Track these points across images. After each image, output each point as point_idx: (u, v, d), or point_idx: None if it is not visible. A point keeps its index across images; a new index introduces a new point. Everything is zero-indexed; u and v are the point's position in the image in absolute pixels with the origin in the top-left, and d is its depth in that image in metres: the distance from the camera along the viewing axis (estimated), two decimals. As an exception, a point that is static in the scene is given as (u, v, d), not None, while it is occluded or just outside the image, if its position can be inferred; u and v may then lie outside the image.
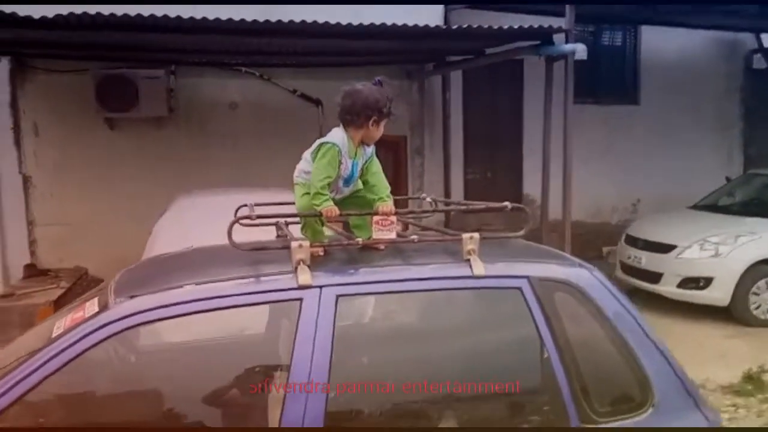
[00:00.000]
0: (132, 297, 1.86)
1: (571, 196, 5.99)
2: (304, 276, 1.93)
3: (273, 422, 1.90)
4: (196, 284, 1.91)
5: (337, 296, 1.96)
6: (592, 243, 8.64)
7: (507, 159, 9.03)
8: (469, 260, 2.10)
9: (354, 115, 2.22)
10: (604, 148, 9.18)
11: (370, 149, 2.34)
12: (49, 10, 4.68)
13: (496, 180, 9.03)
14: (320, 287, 1.95)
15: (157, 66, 7.27)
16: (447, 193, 8.34)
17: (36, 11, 4.69)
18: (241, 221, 2.02)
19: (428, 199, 3.05)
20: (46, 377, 1.67)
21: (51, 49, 6.52)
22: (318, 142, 2.27)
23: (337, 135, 2.26)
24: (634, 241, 7.07)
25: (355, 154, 2.28)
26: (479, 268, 2.09)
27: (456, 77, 8.39)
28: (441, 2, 7.33)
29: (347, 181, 2.29)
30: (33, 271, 7.02)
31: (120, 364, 2.12)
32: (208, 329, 2.25)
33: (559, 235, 6.21)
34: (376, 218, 2.12)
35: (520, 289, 2.12)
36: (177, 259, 2.32)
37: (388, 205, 2.18)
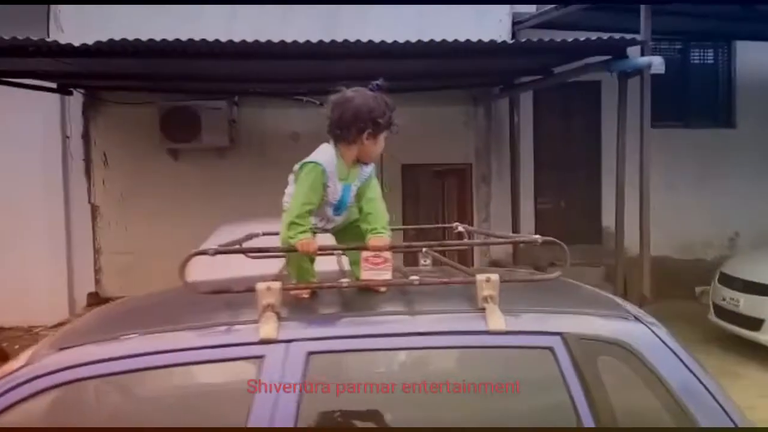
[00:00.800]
0: (61, 349, 1.55)
1: (649, 228, 5.29)
2: (267, 327, 1.56)
3: None
4: (140, 335, 1.58)
5: (308, 353, 1.57)
6: (681, 282, 7.72)
7: (583, 188, 8.33)
8: (484, 309, 1.66)
9: (344, 129, 1.85)
10: (696, 175, 8.29)
11: (368, 169, 1.94)
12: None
13: (570, 210, 8.34)
14: (287, 342, 1.57)
15: (220, 97, 7.30)
16: (515, 225, 7.75)
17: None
18: (208, 252, 1.69)
19: (460, 229, 2.62)
20: None
21: (118, 80, 6.70)
22: (302, 161, 1.92)
23: (324, 153, 1.89)
24: (730, 281, 6.16)
25: (347, 176, 1.89)
26: (497, 321, 1.63)
27: (525, 100, 7.88)
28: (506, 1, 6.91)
29: (337, 209, 1.91)
30: (96, 300, 7.11)
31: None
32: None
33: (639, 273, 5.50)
34: (365, 255, 1.72)
35: (551, 349, 1.64)
36: (143, 301, 2.01)
37: (381, 238, 1.78)
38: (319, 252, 1.76)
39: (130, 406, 1.64)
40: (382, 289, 1.81)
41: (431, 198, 8.30)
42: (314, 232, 1.89)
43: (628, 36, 4.97)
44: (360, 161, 1.92)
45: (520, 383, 1.66)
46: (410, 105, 7.90)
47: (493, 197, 8.09)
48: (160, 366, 1.53)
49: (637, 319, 1.77)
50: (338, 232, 1.98)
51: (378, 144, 1.91)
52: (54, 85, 6.58)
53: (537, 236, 1.84)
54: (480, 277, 1.69)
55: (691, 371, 1.69)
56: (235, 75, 6.41)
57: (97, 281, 7.40)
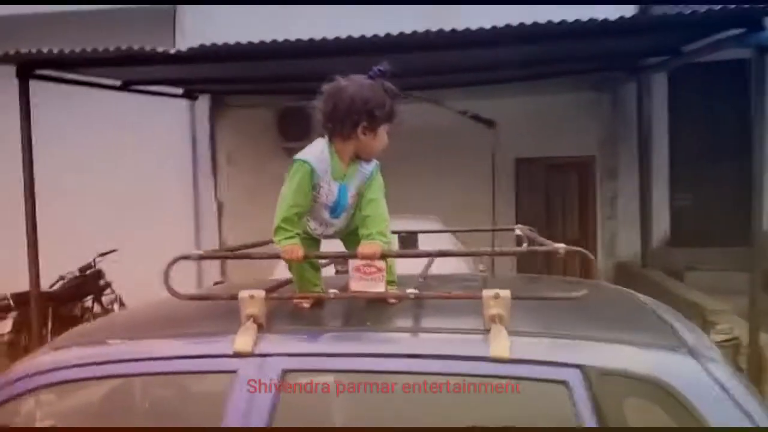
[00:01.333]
0: (55, 349, 1.59)
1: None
2: (242, 340, 1.46)
3: None
4: (125, 340, 1.57)
5: (284, 371, 1.45)
6: None
7: (731, 181, 7.29)
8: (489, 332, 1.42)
9: (337, 122, 1.67)
10: None
11: (370, 167, 1.74)
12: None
13: (717, 208, 7.33)
14: (263, 356, 1.46)
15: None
16: (645, 223, 7.00)
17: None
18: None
19: (518, 232, 2.34)
20: None
21: (237, 84, 7.07)
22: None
23: (315, 148, 1.73)
24: None
25: (344, 174, 1.71)
26: (500, 346, 1.39)
27: (658, 85, 7.07)
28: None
29: (335, 211, 1.73)
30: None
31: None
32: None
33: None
34: (355, 263, 1.56)
35: (565, 384, 1.36)
36: (157, 306, 2.01)
37: (372, 245, 1.58)
38: (305, 259, 1.62)
39: (107, 410, 1.64)
40: (392, 300, 1.63)
41: (549, 194, 7.78)
42: (314, 238, 1.77)
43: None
44: (359, 158, 1.73)
45: (524, 423, 1.40)
46: (525, 94, 7.52)
47: (620, 193, 7.38)
48: (137, 373, 1.51)
49: (690, 352, 1.42)
50: (345, 237, 1.83)
51: (378, 138, 1.71)
52: (180, 91, 7.11)
53: (561, 245, 1.54)
54: (487, 293, 1.45)
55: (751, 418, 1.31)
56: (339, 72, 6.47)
57: (223, 272, 7.91)
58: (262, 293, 1.53)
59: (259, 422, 1.40)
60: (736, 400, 1.33)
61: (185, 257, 1.62)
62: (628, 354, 1.39)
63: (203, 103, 7.71)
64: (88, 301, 6.47)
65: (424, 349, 1.44)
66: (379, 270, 1.54)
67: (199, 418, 1.53)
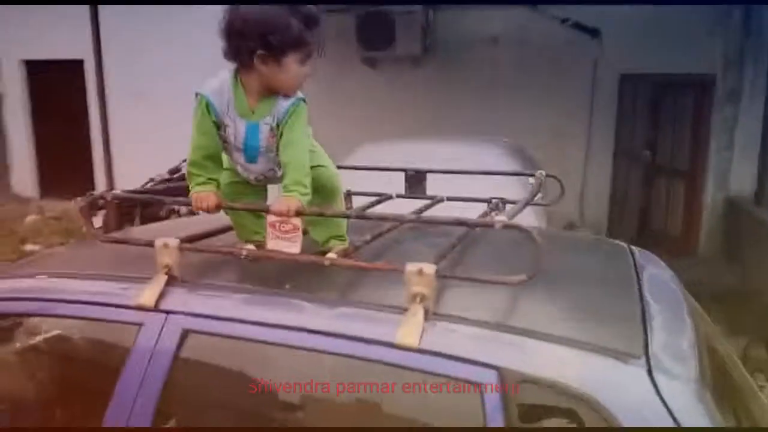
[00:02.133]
0: (2, 278, 1.58)
1: None
2: (147, 293, 1.37)
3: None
4: (48, 276, 1.53)
5: (184, 330, 1.35)
6: None
7: None
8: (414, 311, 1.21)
9: (232, 50, 1.42)
10: None
11: (287, 103, 1.46)
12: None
13: None
14: (166, 313, 1.36)
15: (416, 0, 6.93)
16: (765, 157, 6.06)
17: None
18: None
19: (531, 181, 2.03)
20: None
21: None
22: None
23: (215, 80, 1.48)
24: None
25: (252, 112, 1.47)
26: (408, 332, 1.18)
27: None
28: None
29: (247, 153, 1.49)
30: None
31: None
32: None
33: None
34: (270, 219, 1.37)
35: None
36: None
37: (288, 199, 1.38)
38: (217, 209, 1.46)
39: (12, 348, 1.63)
40: (326, 263, 1.43)
41: (657, 118, 6.92)
42: (247, 183, 1.58)
43: None
44: (274, 92, 1.48)
45: (426, 423, 1.21)
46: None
47: (740, 120, 6.39)
48: (47, 314, 1.47)
49: (647, 362, 1.12)
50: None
51: (284, 70, 1.42)
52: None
53: (498, 220, 1.23)
54: (410, 268, 1.23)
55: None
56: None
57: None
58: (176, 242, 1.40)
59: (155, 382, 1.33)
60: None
61: (100, 197, 1.51)
62: (562, 359, 1.12)
63: (286, 8, 7.52)
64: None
65: (329, 324, 1.26)
66: (295, 228, 1.35)
67: (102, 367, 1.48)
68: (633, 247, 1.93)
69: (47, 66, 8.33)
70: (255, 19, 1.37)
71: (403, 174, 2.35)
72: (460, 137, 4.97)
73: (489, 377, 1.13)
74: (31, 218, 7.77)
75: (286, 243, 1.36)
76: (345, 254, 1.49)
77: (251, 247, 1.43)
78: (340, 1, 6.79)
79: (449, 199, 2.26)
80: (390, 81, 7.44)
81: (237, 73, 1.44)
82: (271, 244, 1.37)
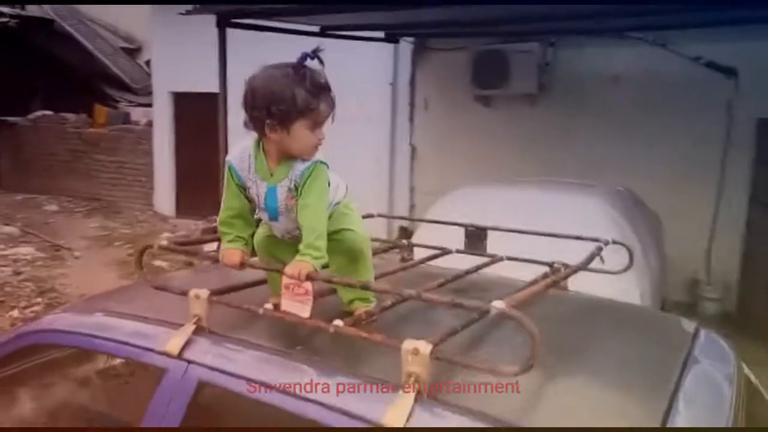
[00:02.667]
0: (65, 311, 1.79)
1: None
2: (173, 342, 1.47)
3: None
4: (104, 314, 1.69)
5: (200, 382, 1.42)
6: None
7: None
8: (406, 392, 1.19)
9: (249, 119, 1.49)
10: None
11: (302, 167, 1.49)
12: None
13: None
14: (188, 362, 1.45)
15: (533, 39, 6.81)
16: None
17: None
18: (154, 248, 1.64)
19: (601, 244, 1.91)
20: None
21: (439, 28, 6.90)
22: None
23: (239, 146, 1.57)
24: None
25: (271, 175, 1.52)
26: (395, 413, 1.17)
27: None
28: None
29: (272, 214, 1.54)
30: (405, 234, 7.83)
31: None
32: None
33: None
34: (284, 281, 1.41)
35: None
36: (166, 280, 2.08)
37: (299, 264, 1.41)
38: (242, 267, 1.52)
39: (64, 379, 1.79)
40: (331, 330, 1.42)
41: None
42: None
43: None
44: (291, 156, 1.51)
45: None
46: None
47: None
48: (96, 349, 1.63)
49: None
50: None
51: (294, 137, 1.46)
52: (381, 35, 7.22)
53: (495, 305, 1.16)
54: (406, 346, 1.21)
55: None
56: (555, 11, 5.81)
57: (411, 217, 8.10)
58: (206, 293, 1.50)
59: (172, 424, 1.41)
60: None
61: (149, 247, 1.65)
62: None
63: (406, 46, 7.73)
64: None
65: (325, 395, 1.27)
66: (306, 292, 1.38)
67: (131, 405, 1.60)
68: (703, 331, 1.74)
69: (190, 97, 9.25)
70: (262, 91, 1.44)
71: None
72: (561, 184, 4.76)
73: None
74: (165, 236, 8.57)
75: (297, 305, 1.40)
76: (366, 316, 1.50)
77: (269, 306, 1.48)
78: (453, 35, 6.88)
79: (509, 258, 2.19)
80: (503, 119, 7.34)
81: (259, 139, 1.52)
82: (285, 304, 1.42)
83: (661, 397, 1.26)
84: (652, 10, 5.40)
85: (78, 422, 1.77)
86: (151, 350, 1.51)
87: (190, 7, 5.48)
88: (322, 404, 1.26)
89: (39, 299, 5.65)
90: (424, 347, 1.20)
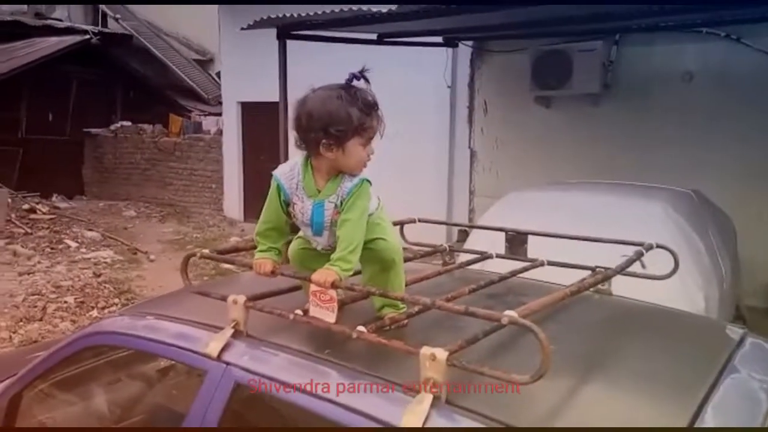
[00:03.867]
0: (121, 315, 1.94)
1: None
2: (213, 345, 1.57)
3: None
4: (155, 317, 1.82)
5: (236, 383, 1.52)
6: None
7: None
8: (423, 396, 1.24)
9: (302, 139, 1.56)
10: None
11: (350, 184, 1.56)
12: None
13: None
14: (226, 364, 1.55)
15: (596, 37, 6.64)
16: None
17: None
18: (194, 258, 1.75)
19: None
20: (34, 379, 1.99)
21: (500, 31, 6.84)
22: None
23: (288, 164, 1.64)
24: None
25: (319, 192, 1.59)
26: (412, 416, 1.21)
27: None
28: None
29: (316, 229, 1.61)
30: (464, 237, 7.80)
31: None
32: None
33: None
34: (312, 288, 1.48)
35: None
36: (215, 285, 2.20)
37: (326, 272, 1.47)
38: (273, 275, 1.60)
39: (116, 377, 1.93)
40: (354, 335, 1.47)
41: None
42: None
43: None
44: (340, 172, 1.58)
45: None
46: None
47: None
48: (143, 350, 1.76)
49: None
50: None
51: (349, 154, 1.53)
52: (440, 39, 7.24)
53: (507, 315, 1.17)
54: (424, 352, 1.25)
55: None
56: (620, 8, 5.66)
57: (470, 220, 8.06)
58: (243, 299, 1.59)
59: (211, 423, 1.52)
60: None
61: (193, 255, 1.76)
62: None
63: (464, 48, 7.72)
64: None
65: (348, 397, 1.33)
66: (332, 299, 1.44)
67: (175, 403, 1.71)
68: (751, 339, 1.68)
69: (256, 107, 9.60)
70: (318, 114, 1.52)
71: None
72: (619, 186, 4.62)
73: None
74: (233, 240, 8.93)
75: (324, 312, 1.46)
76: (391, 322, 1.55)
77: (299, 312, 1.55)
78: (514, 36, 6.80)
79: (550, 263, 2.18)
80: (565, 121, 7.19)
81: (308, 158, 1.60)
82: (312, 311, 1.49)
83: (687, 407, 1.24)
84: (724, 2, 5.18)
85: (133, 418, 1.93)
86: (194, 352, 1.62)
87: (251, 20, 5.72)
88: (344, 406, 1.32)
89: (116, 300, 6.03)
90: (441, 354, 1.23)
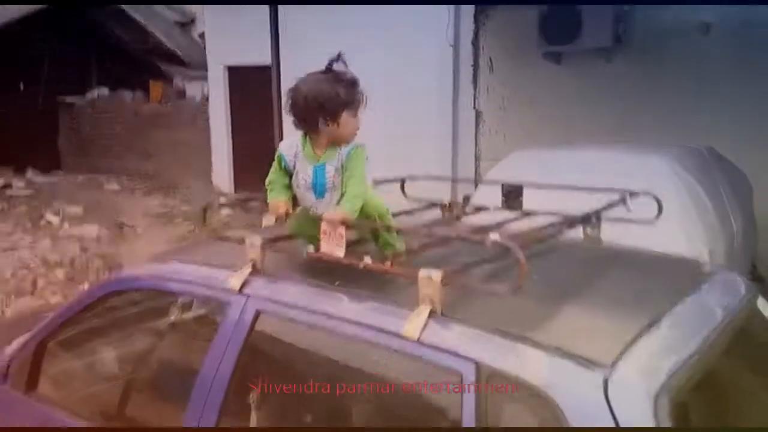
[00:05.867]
0: (149, 261, 2.32)
1: None
2: (234, 280, 1.95)
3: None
4: (179, 261, 2.20)
5: (257, 311, 1.90)
6: None
7: None
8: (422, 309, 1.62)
9: (300, 120, 1.98)
10: None
11: (347, 149, 1.97)
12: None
13: None
14: (247, 296, 1.93)
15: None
16: None
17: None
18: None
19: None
20: (59, 325, 2.38)
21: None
22: None
23: (289, 139, 2.06)
24: None
25: (318, 158, 1.99)
26: (412, 327, 1.59)
27: None
28: None
29: (316, 190, 2.00)
30: (468, 202, 8.16)
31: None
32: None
33: None
34: (323, 227, 1.85)
35: (460, 375, 1.50)
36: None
37: (336, 213, 1.85)
38: (287, 215, 1.98)
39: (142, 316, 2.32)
40: (361, 266, 1.83)
41: None
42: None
43: None
44: (337, 143, 1.98)
45: (422, 398, 1.59)
46: None
47: None
48: (172, 290, 2.14)
49: (611, 367, 1.38)
50: None
51: (343, 126, 1.94)
52: (441, -5, 7.53)
53: (491, 236, 1.54)
54: (422, 274, 1.63)
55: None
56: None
57: (476, 185, 8.41)
58: (259, 241, 1.97)
59: (235, 347, 1.90)
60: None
61: (209, 204, 2.13)
62: (527, 359, 1.44)
63: (469, 6, 7.98)
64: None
65: (357, 315, 1.71)
66: (341, 236, 1.81)
67: (202, 335, 2.10)
68: (724, 273, 2.06)
69: (244, 71, 9.90)
70: (313, 95, 1.92)
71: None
72: (625, 144, 4.98)
73: (467, 368, 1.49)
74: (224, 213, 9.30)
75: (334, 247, 1.83)
76: (393, 257, 1.93)
77: (311, 249, 1.93)
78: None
79: (544, 213, 2.53)
80: (575, 77, 7.49)
81: (305, 133, 2.01)
82: (324, 247, 1.86)
83: (646, 316, 1.62)
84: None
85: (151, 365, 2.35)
86: (218, 288, 2.00)
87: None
88: (354, 322, 1.70)
89: (107, 274, 6.43)
90: (436, 275, 1.60)
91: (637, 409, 1.33)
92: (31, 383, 2.45)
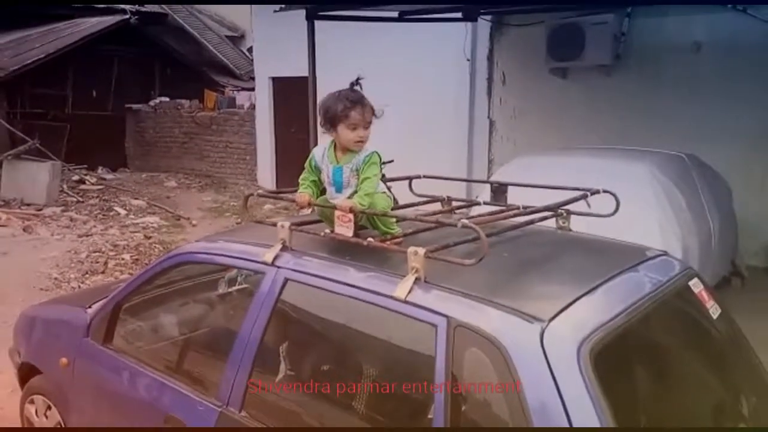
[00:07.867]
0: (198, 241, 2.66)
1: None
2: (268, 255, 2.27)
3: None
4: (224, 240, 2.54)
5: (285, 279, 2.21)
6: None
7: None
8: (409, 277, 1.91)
9: (321, 125, 2.31)
10: None
11: (362, 156, 2.26)
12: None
13: None
14: (278, 267, 2.24)
15: (608, 10, 7.08)
16: None
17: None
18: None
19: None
20: (131, 291, 2.74)
21: (517, 5, 7.33)
22: None
23: (322, 144, 2.38)
24: None
25: (340, 160, 2.29)
26: (401, 289, 1.89)
27: None
28: None
29: (335, 186, 2.31)
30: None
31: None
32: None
33: None
34: (336, 213, 2.16)
35: (435, 328, 1.79)
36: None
37: (347, 202, 2.15)
38: (309, 205, 2.30)
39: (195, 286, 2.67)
40: (365, 243, 2.14)
41: None
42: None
43: None
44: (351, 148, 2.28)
45: (407, 344, 1.89)
46: None
47: None
48: (216, 263, 2.48)
49: (548, 320, 1.65)
50: None
51: (340, 135, 2.24)
52: (459, 15, 7.76)
53: (460, 220, 1.83)
54: (410, 250, 1.92)
55: (561, 398, 1.54)
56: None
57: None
58: (288, 224, 2.29)
59: (268, 308, 2.22)
60: (555, 378, 1.57)
61: (251, 195, 2.46)
62: (485, 314, 1.73)
63: (483, 23, 8.22)
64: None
65: (360, 281, 2.01)
66: (350, 221, 2.12)
67: (246, 297, 2.43)
68: (664, 257, 2.30)
69: (286, 82, 10.27)
70: (323, 108, 2.27)
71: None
72: (614, 150, 5.18)
73: (441, 321, 1.78)
74: (267, 207, 9.70)
75: (344, 229, 2.14)
76: (392, 239, 2.22)
77: (328, 231, 2.25)
78: (528, 11, 7.29)
79: (525, 207, 2.80)
80: (579, 91, 7.68)
81: (333, 140, 2.33)
82: (336, 229, 2.17)
83: (584, 285, 1.89)
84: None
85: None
86: (254, 261, 2.33)
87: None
88: (359, 287, 2.00)
89: (166, 258, 6.87)
90: (421, 250, 1.90)
91: (564, 354, 1.61)
92: (108, 337, 2.81)
